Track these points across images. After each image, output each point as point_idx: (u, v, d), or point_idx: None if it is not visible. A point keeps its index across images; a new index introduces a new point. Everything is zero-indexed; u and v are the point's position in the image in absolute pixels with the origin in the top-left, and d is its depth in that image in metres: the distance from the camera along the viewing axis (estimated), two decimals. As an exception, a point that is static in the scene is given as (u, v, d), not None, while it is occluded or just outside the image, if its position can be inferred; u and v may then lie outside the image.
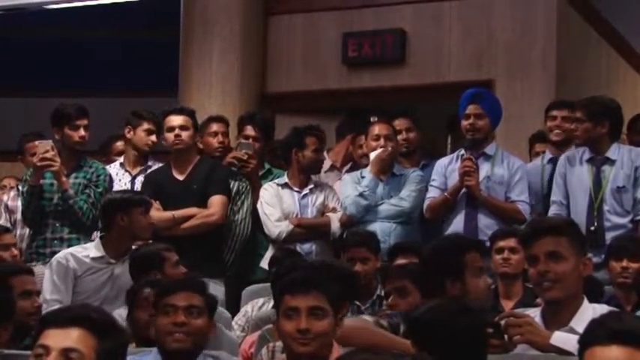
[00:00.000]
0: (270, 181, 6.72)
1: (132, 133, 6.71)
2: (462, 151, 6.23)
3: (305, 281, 3.65)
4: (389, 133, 6.47)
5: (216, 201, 6.35)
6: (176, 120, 6.41)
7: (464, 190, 6.12)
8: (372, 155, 6.42)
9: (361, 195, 6.36)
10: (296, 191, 6.61)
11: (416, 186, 6.41)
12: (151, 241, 5.71)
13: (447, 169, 6.30)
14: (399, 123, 6.68)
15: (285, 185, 6.62)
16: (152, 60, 10.18)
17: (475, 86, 6.67)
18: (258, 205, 6.57)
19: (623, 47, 9.66)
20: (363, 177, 6.47)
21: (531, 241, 3.68)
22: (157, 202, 6.25)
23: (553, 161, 6.32)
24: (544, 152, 6.59)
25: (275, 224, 6.48)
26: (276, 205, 6.54)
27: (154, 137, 6.71)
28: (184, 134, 6.39)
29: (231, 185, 6.52)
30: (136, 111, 6.76)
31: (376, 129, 6.48)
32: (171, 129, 6.40)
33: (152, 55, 10.22)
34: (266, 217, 6.52)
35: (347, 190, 6.48)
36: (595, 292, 4.57)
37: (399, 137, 6.62)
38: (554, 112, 6.49)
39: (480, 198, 6.09)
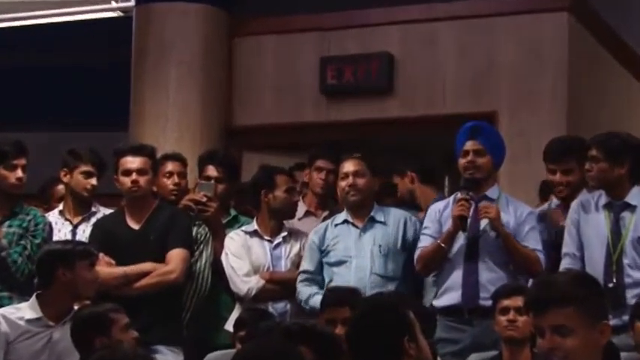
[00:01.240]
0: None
1: (68, 176, 6.56)
2: (459, 194, 6.14)
3: None
4: (358, 169, 6.35)
5: (176, 256, 6.20)
6: (133, 162, 6.22)
7: (462, 241, 6.04)
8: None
9: (306, 302, 6.27)
10: (267, 240, 6.50)
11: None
12: (88, 302, 5.59)
13: (441, 214, 6.17)
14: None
15: (254, 233, 6.50)
16: (99, 89, 10.12)
17: (474, 119, 6.60)
18: (223, 258, 6.45)
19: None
20: (336, 225, 6.42)
21: (535, 312, 3.62)
22: (108, 255, 6.14)
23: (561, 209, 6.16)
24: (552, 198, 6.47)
25: (243, 279, 6.37)
26: (244, 256, 6.43)
27: (93, 180, 6.53)
28: (142, 180, 6.22)
29: (190, 232, 6.41)
30: (73, 150, 6.57)
31: (345, 166, 6.39)
32: (128, 172, 6.22)
33: (99, 84, 10.16)
34: (232, 271, 6.40)
35: (306, 260, 6.39)
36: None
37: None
38: (551, 166, 6.25)
39: (502, 233, 5.97)
